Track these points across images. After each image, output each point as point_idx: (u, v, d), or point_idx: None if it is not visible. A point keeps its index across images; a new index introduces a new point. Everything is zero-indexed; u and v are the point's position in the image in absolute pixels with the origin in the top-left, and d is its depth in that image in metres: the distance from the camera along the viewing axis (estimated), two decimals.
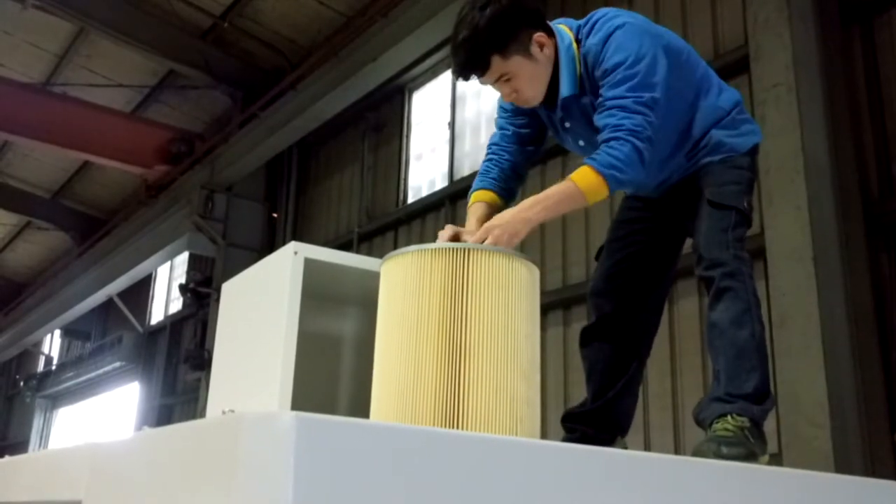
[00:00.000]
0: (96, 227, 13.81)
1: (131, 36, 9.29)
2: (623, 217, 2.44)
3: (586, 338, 2.42)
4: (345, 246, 8.39)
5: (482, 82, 2.15)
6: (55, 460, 1.94)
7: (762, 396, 2.01)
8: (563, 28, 2.18)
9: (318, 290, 2.11)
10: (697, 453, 1.89)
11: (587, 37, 2.13)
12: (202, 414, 7.59)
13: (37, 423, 16.18)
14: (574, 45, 2.15)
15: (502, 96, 2.20)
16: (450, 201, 7.32)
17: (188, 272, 10.92)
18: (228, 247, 9.45)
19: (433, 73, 8.09)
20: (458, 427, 1.68)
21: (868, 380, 4.01)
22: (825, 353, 3.84)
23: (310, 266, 2.03)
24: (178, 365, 11.12)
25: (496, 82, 2.11)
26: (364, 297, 2.34)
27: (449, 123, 7.72)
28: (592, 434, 2.31)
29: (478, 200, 2.26)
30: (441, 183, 7.64)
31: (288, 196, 9.78)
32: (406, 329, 1.76)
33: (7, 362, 17.59)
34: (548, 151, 6.10)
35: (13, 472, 2.12)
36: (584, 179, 1.94)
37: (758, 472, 1.81)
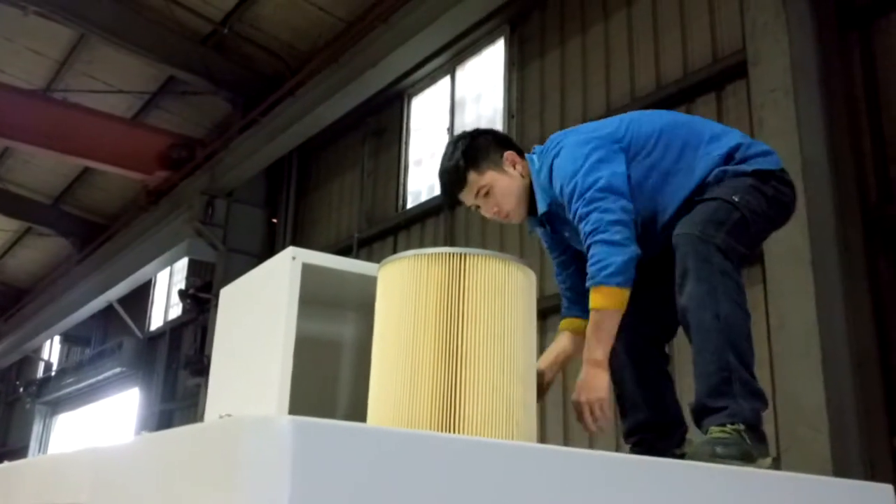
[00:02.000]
0: (97, 232, 13.83)
1: (132, 42, 9.31)
2: None
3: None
4: (345, 251, 8.39)
5: (468, 204, 2.40)
6: (57, 465, 1.95)
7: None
8: (534, 157, 2.42)
9: (316, 295, 2.11)
10: (694, 456, 1.90)
11: (545, 171, 2.33)
12: (202, 419, 7.58)
13: (36, 429, 16.16)
14: (541, 171, 2.35)
15: (486, 214, 2.40)
16: (449, 207, 7.34)
17: (188, 278, 10.92)
18: (228, 252, 9.46)
19: (432, 78, 8.11)
20: (454, 431, 1.68)
21: (867, 384, 4.01)
22: (824, 357, 3.85)
23: (308, 271, 2.03)
24: (178, 370, 11.12)
25: (477, 197, 2.35)
26: (362, 302, 2.35)
27: (448, 129, 7.74)
28: (653, 438, 2.32)
29: (562, 329, 2.47)
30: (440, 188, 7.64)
31: (288, 201, 9.79)
32: (403, 334, 1.77)
33: (7, 368, 17.58)
34: None
35: (15, 477, 2.13)
36: (601, 302, 2.06)
37: (755, 476, 1.81)
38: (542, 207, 2.34)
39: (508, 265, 1.82)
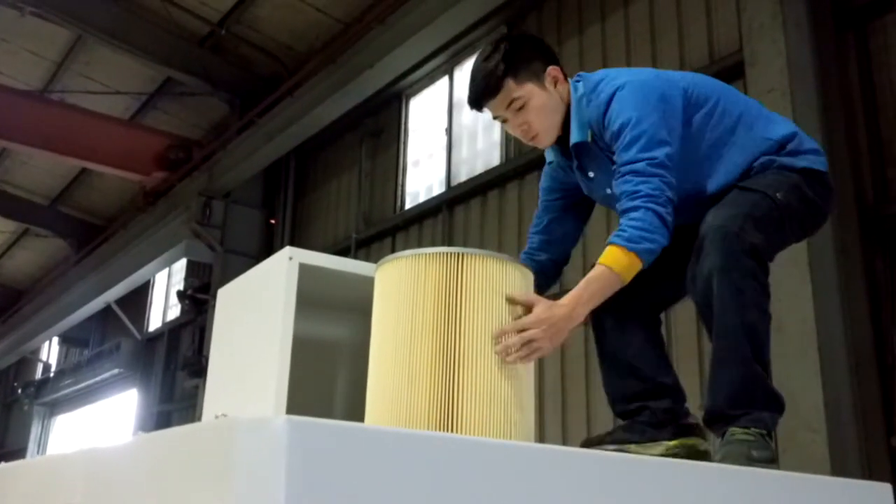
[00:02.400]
0: (94, 233, 13.82)
1: (129, 43, 9.31)
2: None
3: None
4: (343, 252, 8.39)
5: (494, 114, 2.17)
6: (51, 466, 1.95)
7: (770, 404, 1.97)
8: (578, 84, 2.20)
9: (313, 296, 2.11)
10: (728, 457, 1.85)
11: (590, 101, 2.13)
12: (200, 420, 7.56)
13: (35, 430, 16.14)
14: (582, 99, 2.16)
15: (512, 130, 2.19)
16: (447, 207, 7.34)
17: (186, 279, 10.92)
18: (226, 253, 9.45)
19: (430, 79, 8.12)
20: (452, 431, 1.68)
21: (864, 384, 4.02)
22: (821, 357, 3.85)
23: (305, 271, 2.03)
24: (177, 371, 11.11)
25: (508, 109, 2.12)
26: (359, 303, 2.35)
27: (446, 129, 7.74)
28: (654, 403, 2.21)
29: None
30: (438, 189, 7.65)
31: (286, 202, 9.79)
32: (400, 333, 1.77)
33: (5, 369, 17.56)
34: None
35: (9, 478, 2.12)
36: (616, 262, 1.91)
37: (754, 475, 1.81)
38: (576, 136, 2.14)
39: (506, 265, 1.81)
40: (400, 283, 1.80)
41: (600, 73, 2.23)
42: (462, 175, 7.40)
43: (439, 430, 1.68)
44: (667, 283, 2.20)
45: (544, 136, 2.18)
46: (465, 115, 7.61)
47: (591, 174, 2.21)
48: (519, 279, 1.84)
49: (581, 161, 2.20)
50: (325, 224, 9.26)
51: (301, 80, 8.48)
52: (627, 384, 2.22)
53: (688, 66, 5.43)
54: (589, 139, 2.13)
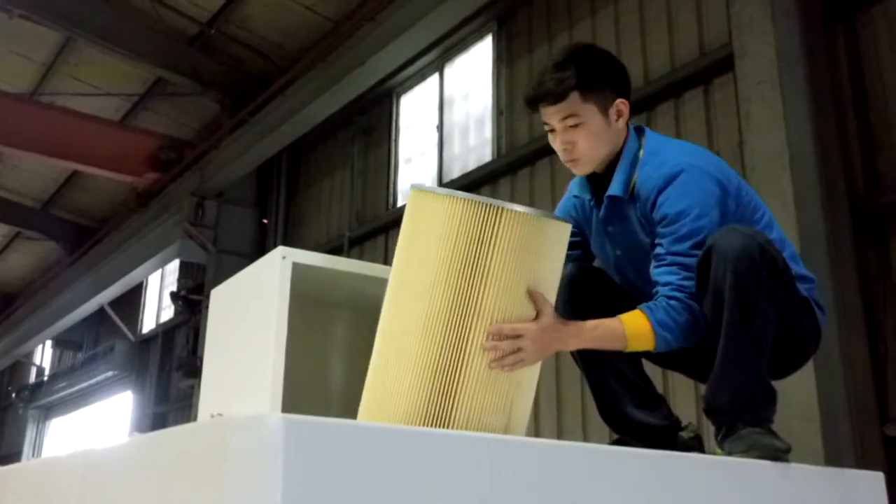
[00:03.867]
0: (86, 236, 13.77)
1: (118, 44, 9.27)
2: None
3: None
4: (336, 250, 8.38)
5: (546, 120, 2.09)
6: (47, 469, 1.95)
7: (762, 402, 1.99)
8: (636, 133, 2.13)
9: (306, 294, 2.11)
10: (752, 449, 1.87)
11: (646, 164, 2.06)
12: (195, 421, 7.54)
13: (30, 434, 16.09)
14: (639, 153, 2.08)
15: (556, 144, 2.10)
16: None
17: (179, 280, 10.90)
18: (219, 253, 9.43)
19: (421, 76, 8.11)
20: (457, 381, 1.67)
21: (857, 374, 4.04)
22: None
23: (298, 270, 2.04)
24: (171, 372, 11.09)
25: (561, 122, 2.04)
26: (353, 300, 2.35)
27: (437, 126, 7.74)
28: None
29: None
30: (431, 185, 7.64)
31: (278, 201, 9.77)
32: (421, 277, 1.72)
33: None
34: (537, 151, 6.12)
35: (5, 481, 2.12)
36: (634, 328, 1.88)
37: (749, 466, 1.83)
38: (617, 189, 2.06)
39: (544, 223, 1.74)
40: (431, 222, 1.74)
41: (663, 139, 2.17)
42: (454, 172, 7.40)
43: (444, 377, 1.66)
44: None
45: (586, 163, 2.10)
46: (457, 111, 7.61)
47: (610, 228, 2.15)
48: (553, 238, 1.78)
49: (608, 212, 2.13)
50: (317, 222, 9.25)
51: (292, 79, 8.47)
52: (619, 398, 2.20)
53: (678, 59, 5.44)
54: (627, 197, 2.06)
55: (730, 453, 1.93)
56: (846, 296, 4.13)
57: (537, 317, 1.76)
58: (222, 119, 10.09)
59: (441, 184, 7.47)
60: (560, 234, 1.80)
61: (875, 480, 2.06)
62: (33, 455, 15.84)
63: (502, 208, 1.69)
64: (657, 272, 1.98)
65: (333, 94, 7.78)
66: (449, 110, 7.69)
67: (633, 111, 2.19)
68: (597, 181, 2.15)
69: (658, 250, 1.99)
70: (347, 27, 7.94)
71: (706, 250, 1.89)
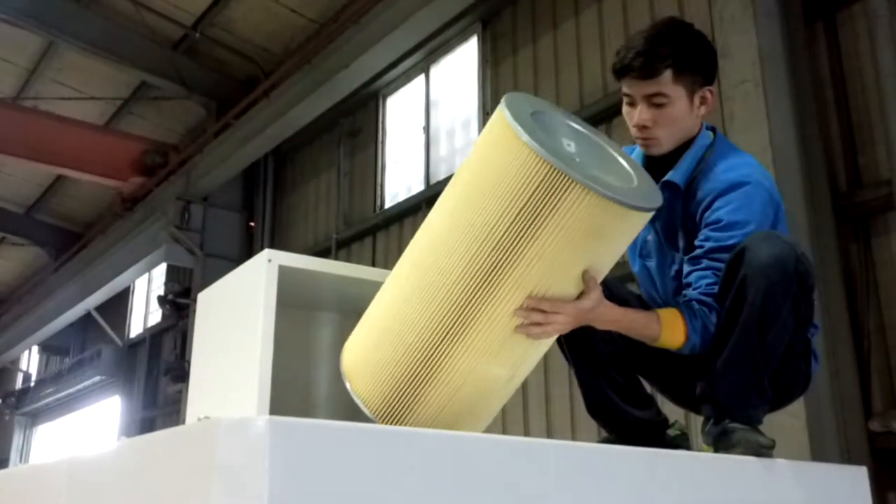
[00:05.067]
0: (72, 241, 13.69)
1: (102, 48, 9.22)
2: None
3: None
4: (323, 252, 8.37)
5: (628, 91, 2.02)
6: (34, 475, 1.94)
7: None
8: (712, 135, 2.11)
9: (293, 297, 2.12)
10: (739, 445, 1.89)
11: (713, 166, 2.02)
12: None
13: (16, 440, 15.98)
14: (698, 163, 2.04)
15: (632, 118, 2.03)
16: (427, 205, 7.33)
17: (166, 283, 10.85)
18: (206, 257, 9.41)
19: (406, 77, 8.12)
20: (466, 329, 1.65)
21: (841, 370, 4.07)
22: None
23: (284, 273, 2.04)
24: (159, 377, 11.04)
25: (645, 98, 1.98)
26: (339, 303, 2.36)
27: (424, 128, 7.74)
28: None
29: None
30: (418, 187, 7.66)
31: (265, 204, 9.75)
32: (471, 211, 1.65)
33: None
34: None
35: None
36: (670, 327, 1.87)
37: (734, 462, 1.84)
38: (678, 177, 2.01)
39: (613, 208, 1.60)
40: (500, 160, 1.62)
41: (732, 146, 2.14)
42: (441, 173, 7.41)
43: (461, 314, 1.63)
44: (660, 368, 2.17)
45: (661, 145, 2.04)
46: (443, 113, 7.62)
47: (662, 213, 2.08)
48: (625, 229, 1.70)
49: (669, 199, 2.06)
50: (305, 225, 9.24)
51: (277, 82, 8.45)
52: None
53: None
54: (683, 188, 2.03)
55: (715, 449, 1.94)
56: (829, 291, 4.17)
57: (581, 296, 1.73)
58: (207, 123, 10.06)
59: (428, 185, 7.47)
60: (636, 223, 1.71)
61: (858, 475, 2.08)
62: (20, 462, 15.73)
63: (572, 181, 1.54)
64: (693, 273, 1.96)
65: (319, 96, 7.78)
66: (435, 111, 7.70)
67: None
68: (652, 163, 2.07)
69: (697, 251, 1.96)
70: (332, 29, 7.94)
71: (741, 249, 1.87)
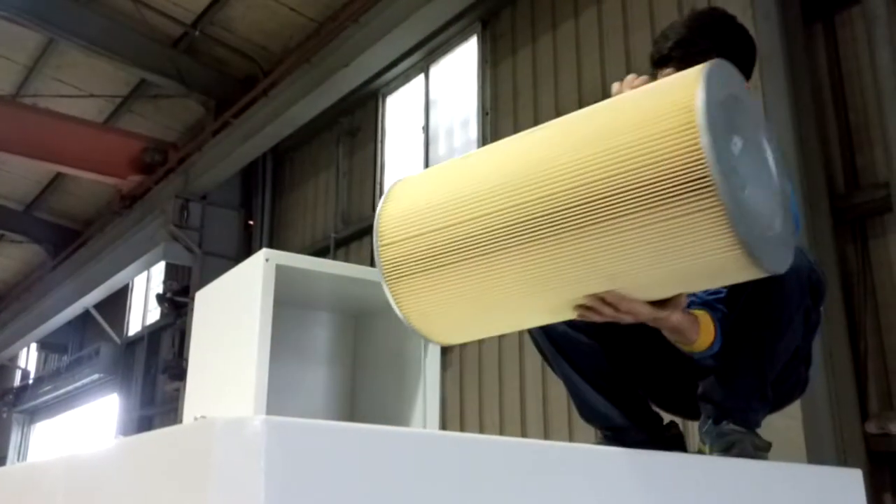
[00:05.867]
0: (71, 238, 13.69)
1: (101, 46, 9.22)
2: None
3: None
4: (322, 251, 8.38)
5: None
6: (31, 473, 1.95)
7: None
8: None
9: (290, 297, 2.12)
10: (733, 446, 1.88)
11: None
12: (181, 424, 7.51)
13: (14, 438, 15.98)
14: None
15: None
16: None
17: (165, 282, 10.85)
18: (205, 255, 9.41)
19: (406, 77, 8.12)
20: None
21: (838, 371, 4.08)
22: None
23: (282, 272, 2.04)
24: (157, 375, 11.05)
25: None
26: (337, 302, 2.36)
27: (423, 127, 7.75)
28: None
29: None
30: None
31: (263, 203, 9.76)
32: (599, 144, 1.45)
33: None
34: None
35: None
36: (705, 329, 1.82)
37: (731, 464, 1.85)
38: None
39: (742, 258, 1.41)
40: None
41: None
42: None
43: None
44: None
45: None
46: (442, 112, 7.62)
47: None
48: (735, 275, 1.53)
49: None
50: (303, 224, 9.24)
51: (276, 81, 8.45)
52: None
53: None
54: None
55: (710, 450, 1.95)
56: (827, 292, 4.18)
57: (665, 305, 1.65)
58: (206, 121, 10.06)
59: None
60: (751, 274, 1.51)
61: (854, 477, 2.09)
62: (18, 459, 15.73)
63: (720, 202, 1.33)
64: None
65: (318, 95, 7.78)
66: (434, 111, 7.70)
67: None
68: None
69: None
70: (332, 28, 7.94)
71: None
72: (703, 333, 1.85)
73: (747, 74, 1.98)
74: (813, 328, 1.99)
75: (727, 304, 1.91)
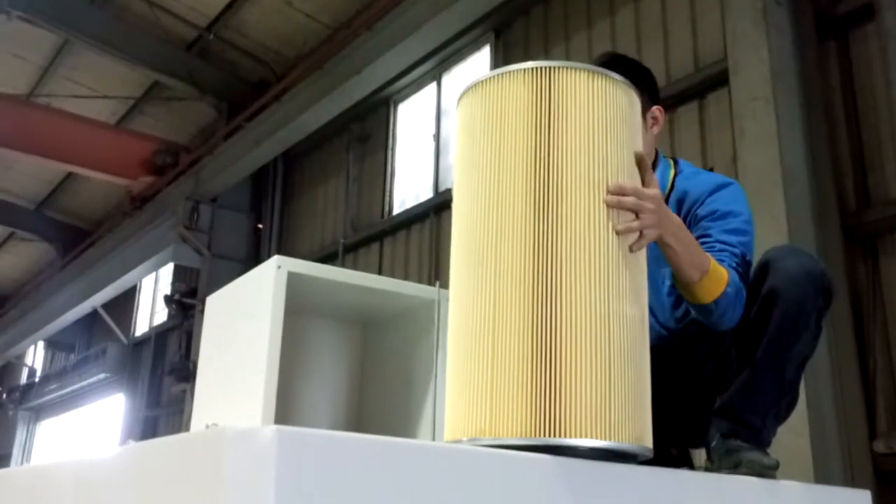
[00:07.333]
0: (80, 238, 13.75)
1: (116, 48, 9.28)
2: None
3: None
4: (330, 257, 8.39)
5: None
6: (40, 475, 1.95)
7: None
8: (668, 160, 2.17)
9: (301, 304, 2.13)
10: (742, 466, 1.88)
11: (688, 178, 2.09)
12: (187, 426, 7.55)
13: (20, 435, 16.03)
14: (671, 171, 2.11)
15: None
16: (435, 213, 7.35)
17: (173, 283, 10.88)
18: (213, 258, 9.44)
19: (418, 85, 8.14)
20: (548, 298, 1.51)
21: (846, 389, 4.06)
22: None
23: (293, 280, 2.05)
24: (163, 376, 11.07)
25: None
26: (347, 310, 2.37)
27: (434, 135, 7.76)
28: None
29: None
30: (426, 194, 7.67)
31: (273, 207, 9.78)
32: (485, 172, 1.58)
33: None
34: None
35: None
36: (717, 266, 1.80)
37: (736, 482, 1.84)
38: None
39: (607, 82, 1.57)
40: (483, 112, 1.60)
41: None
42: (450, 181, 7.42)
43: (535, 300, 1.49)
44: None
45: None
46: (453, 121, 7.63)
47: None
48: (626, 106, 1.63)
49: None
50: (312, 229, 9.26)
51: (289, 86, 8.49)
52: None
53: (673, 74, 5.47)
54: (666, 193, 2.06)
55: (718, 468, 1.94)
56: (836, 309, 4.16)
57: (644, 182, 1.66)
58: (218, 124, 10.11)
59: (437, 192, 7.49)
60: (631, 102, 1.67)
61: (862, 499, 2.07)
62: (23, 456, 15.77)
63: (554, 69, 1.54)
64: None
65: (330, 101, 7.80)
66: (445, 119, 7.71)
67: None
68: None
69: (705, 239, 1.95)
70: (345, 35, 7.97)
71: (764, 264, 1.88)
72: (712, 278, 1.80)
73: (654, 97, 2.13)
74: (818, 335, 2.00)
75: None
